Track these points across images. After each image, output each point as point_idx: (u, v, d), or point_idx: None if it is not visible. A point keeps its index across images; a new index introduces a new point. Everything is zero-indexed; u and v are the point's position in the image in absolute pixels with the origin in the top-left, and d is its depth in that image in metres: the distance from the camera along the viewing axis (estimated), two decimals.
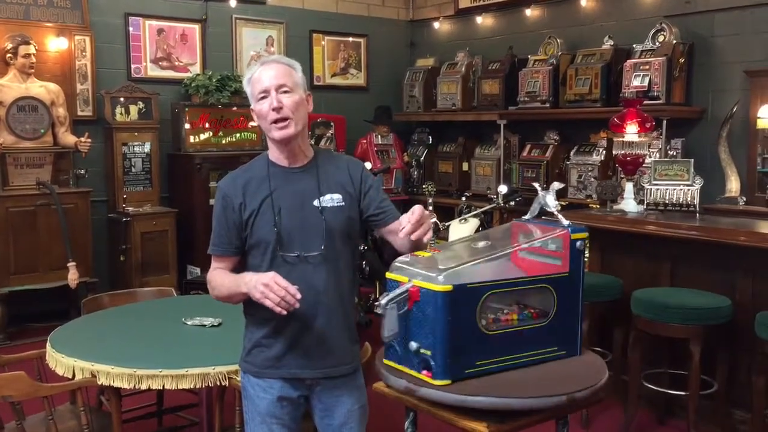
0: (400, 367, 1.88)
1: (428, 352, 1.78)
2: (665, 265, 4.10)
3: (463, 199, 6.09)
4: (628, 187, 4.40)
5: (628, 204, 4.36)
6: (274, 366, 2.21)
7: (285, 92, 2.12)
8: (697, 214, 4.16)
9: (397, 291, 1.80)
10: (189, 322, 3.10)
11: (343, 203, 2.20)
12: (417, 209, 1.97)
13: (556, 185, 2.22)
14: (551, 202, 2.15)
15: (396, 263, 1.89)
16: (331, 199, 2.18)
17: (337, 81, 7.44)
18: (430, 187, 6.05)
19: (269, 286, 1.96)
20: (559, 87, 6.00)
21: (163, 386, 2.60)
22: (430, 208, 6.00)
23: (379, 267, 5.73)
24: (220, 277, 2.22)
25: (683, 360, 3.86)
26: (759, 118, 4.97)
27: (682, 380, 3.89)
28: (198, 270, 5.97)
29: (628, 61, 5.50)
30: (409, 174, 7.33)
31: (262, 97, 2.14)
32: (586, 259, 5.19)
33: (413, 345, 1.81)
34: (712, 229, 3.81)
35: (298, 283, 2.05)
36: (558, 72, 6.01)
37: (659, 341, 3.84)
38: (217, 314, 3.16)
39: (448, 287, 1.79)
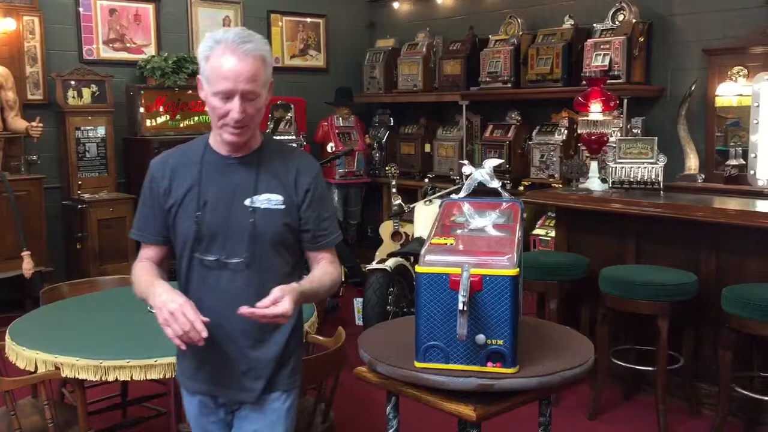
0: (446, 366, 1.72)
1: (500, 342, 1.69)
2: (630, 242, 4.14)
3: (426, 180, 6.07)
4: (593, 165, 4.42)
5: (593, 182, 4.38)
6: (192, 377, 2.02)
7: (250, 100, 1.80)
8: (661, 192, 4.19)
9: (465, 285, 1.64)
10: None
11: (282, 207, 1.88)
12: (276, 291, 1.72)
13: (491, 162, 2.10)
14: (491, 177, 2.07)
15: (427, 256, 1.72)
16: (268, 200, 1.88)
17: (297, 62, 7.32)
18: (392, 169, 6.00)
19: (174, 316, 1.73)
20: (520, 67, 5.99)
21: (131, 377, 2.51)
22: (394, 190, 5.97)
23: (343, 250, 5.67)
24: (139, 275, 1.97)
25: (650, 336, 3.90)
26: (717, 96, 5.02)
27: (648, 356, 3.94)
28: None
29: (588, 40, 5.51)
30: (371, 156, 7.27)
31: (223, 96, 1.80)
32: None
33: (482, 338, 1.70)
34: (676, 206, 3.85)
35: (212, 292, 1.86)
36: (519, 52, 6.00)
37: (626, 318, 3.88)
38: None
39: (516, 271, 1.70)
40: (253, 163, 1.90)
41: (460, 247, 1.78)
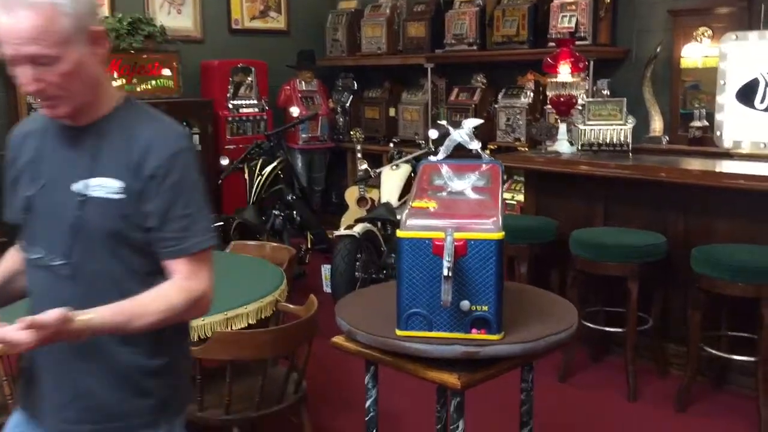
0: (429, 334, 1.66)
1: (485, 308, 1.63)
2: (599, 205, 4.13)
3: (391, 145, 5.98)
4: (562, 128, 4.38)
5: (562, 145, 4.35)
6: (22, 395, 1.66)
7: (44, 64, 1.38)
8: (630, 154, 4.18)
9: (449, 250, 1.57)
10: None
11: (122, 196, 1.46)
12: (49, 313, 1.33)
13: (471, 121, 2.02)
14: (470, 138, 2.01)
15: (408, 221, 1.65)
16: (101, 187, 1.46)
17: (257, 24, 7.11)
18: (357, 134, 5.91)
19: None
20: (486, 29, 5.91)
21: None
22: (359, 155, 5.87)
23: (308, 216, 5.59)
24: None
25: (619, 298, 3.91)
26: (682, 57, 5.02)
27: (617, 318, 3.96)
28: None
29: (554, 1, 5.44)
30: (335, 121, 7.15)
31: (10, 63, 1.41)
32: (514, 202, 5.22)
33: (466, 304, 1.64)
34: (644, 167, 3.84)
35: (39, 298, 1.51)
36: (485, 14, 5.91)
37: (595, 280, 3.88)
38: None
39: (501, 234, 1.64)
40: (93, 137, 1.49)
41: (443, 210, 1.71)
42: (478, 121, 2.04)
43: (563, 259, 3.93)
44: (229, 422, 2.52)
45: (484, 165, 2.01)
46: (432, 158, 2.04)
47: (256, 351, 2.43)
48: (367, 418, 1.93)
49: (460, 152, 2.03)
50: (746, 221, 3.60)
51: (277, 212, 5.22)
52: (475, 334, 1.66)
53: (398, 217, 5.03)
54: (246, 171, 5.11)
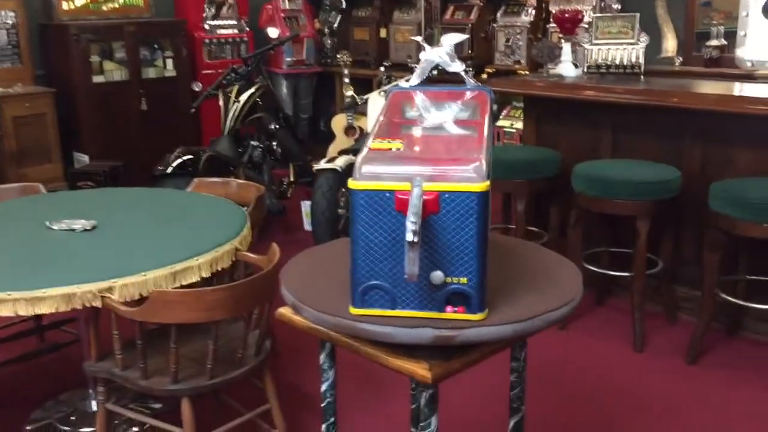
0: (391, 313, 1.30)
1: (463, 280, 1.27)
2: (606, 134, 3.72)
3: (382, 69, 5.51)
4: (566, 48, 3.93)
5: (566, 67, 3.91)
6: None
7: None
8: (642, 77, 3.75)
9: (416, 206, 1.20)
10: (55, 227, 2.52)
11: None
12: None
13: (452, 37, 1.61)
14: (450, 58, 1.59)
15: (364, 167, 1.27)
16: None
17: None
18: (344, 57, 5.46)
19: None
20: None
21: (16, 313, 2.06)
22: (347, 80, 5.42)
23: (292, 146, 5.17)
24: None
25: (625, 238, 3.55)
26: None
27: (622, 258, 3.61)
28: (86, 158, 5.29)
29: None
30: (322, 43, 6.65)
31: None
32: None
33: (439, 276, 1.27)
34: (657, 92, 3.41)
35: None
36: None
37: (598, 218, 3.50)
38: (91, 215, 2.60)
39: (485, 185, 1.25)
40: None
41: (410, 152, 1.32)
42: (461, 37, 1.61)
43: (566, 196, 3.55)
44: (177, 392, 2.19)
45: (468, 92, 1.61)
46: (402, 84, 1.63)
47: (205, 313, 2.07)
48: (323, 405, 1.58)
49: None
50: None
51: (255, 143, 4.80)
52: (450, 314, 1.28)
53: None
54: (221, 98, 4.67)
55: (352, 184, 1.26)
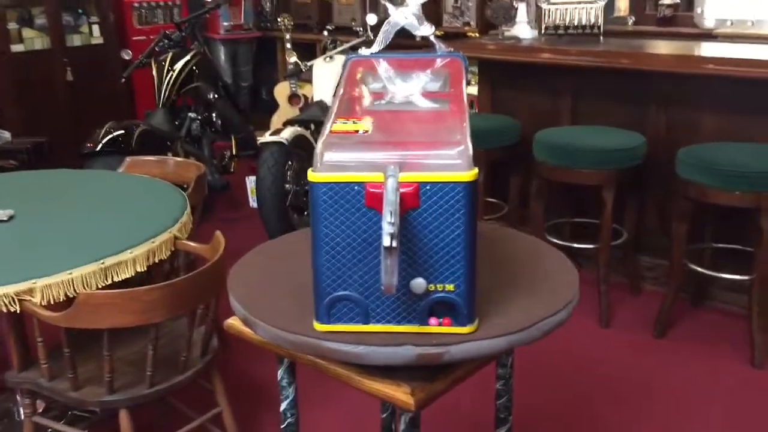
0: (364, 328, 1.09)
1: (449, 287, 1.06)
2: (566, 99, 3.55)
3: (325, 33, 5.23)
4: (521, 8, 3.72)
5: (522, 29, 3.71)
6: None
7: None
8: (601, 38, 3.58)
9: (391, 202, 0.98)
10: None
11: None
12: None
13: None
14: (419, 21, 1.37)
15: (326, 154, 1.03)
16: None
17: None
18: (285, 20, 5.16)
19: None
20: None
21: None
22: (289, 45, 5.13)
23: (233, 117, 4.87)
24: None
25: (587, 207, 3.42)
26: None
27: (584, 229, 3.47)
28: (8, 134, 4.87)
29: None
30: (261, 6, 6.30)
31: None
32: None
33: (421, 283, 1.06)
34: (618, 53, 3.25)
35: None
36: None
37: (558, 188, 3.34)
38: (7, 202, 2.30)
39: (473, 173, 1.04)
40: None
41: (381, 134, 1.09)
42: None
43: (525, 165, 3.38)
44: (113, 404, 1.95)
45: (439, 59, 1.39)
46: (363, 51, 1.40)
47: (140, 315, 1.82)
48: (282, 426, 1.37)
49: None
50: (738, 116, 3.07)
51: (193, 115, 4.49)
52: (435, 327, 1.08)
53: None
54: (153, 67, 4.33)
55: (312, 176, 1.04)
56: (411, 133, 1.11)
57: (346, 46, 4.59)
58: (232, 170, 4.66)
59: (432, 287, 1.06)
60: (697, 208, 2.91)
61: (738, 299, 3.15)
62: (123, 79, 4.48)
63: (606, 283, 3.16)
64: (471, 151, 1.04)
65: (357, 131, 1.08)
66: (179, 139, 4.18)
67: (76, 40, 5.26)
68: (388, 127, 1.12)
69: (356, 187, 1.02)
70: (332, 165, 1.03)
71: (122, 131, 3.69)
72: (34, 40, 5.03)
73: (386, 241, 0.94)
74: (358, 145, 1.05)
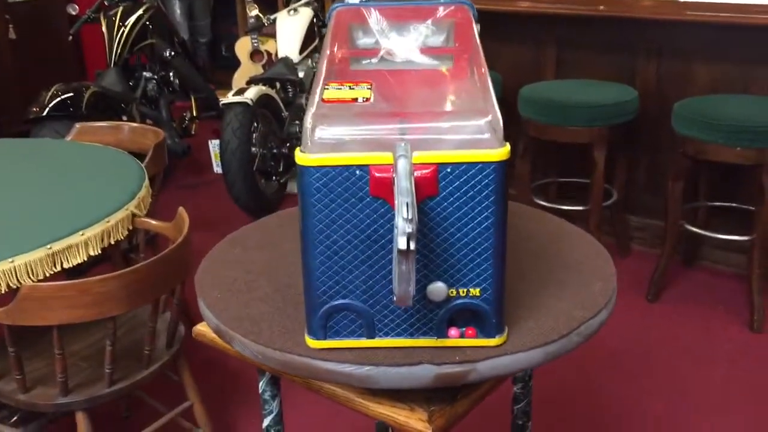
0: (368, 343, 0.88)
1: (475, 292, 0.85)
2: (549, 51, 3.33)
3: None
4: None
5: None
6: None
7: None
8: None
9: (405, 188, 0.76)
10: None
11: None
12: None
13: None
14: None
15: (318, 130, 0.79)
16: None
17: None
18: None
19: None
20: None
21: None
22: None
23: (192, 76, 4.56)
24: None
25: (572, 165, 3.24)
26: None
27: (571, 189, 3.30)
28: None
29: None
30: None
31: None
32: None
33: (440, 289, 0.85)
34: (607, 0, 3.03)
35: None
36: None
37: (544, 146, 3.15)
38: None
39: (505, 150, 0.82)
40: None
41: (386, 102, 0.87)
42: None
43: (508, 122, 3.17)
44: (68, 406, 1.73)
45: (441, 6, 1.16)
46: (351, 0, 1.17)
47: (93, 308, 1.59)
48: None
49: None
50: (732, 66, 2.89)
51: (148, 74, 4.17)
52: (456, 339, 0.88)
53: (300, 75, 4.13)
54: (103, 23, 3.99)
55: (301, 157, 0.81)
56: (423, 101, 0.89)
57: None
58: (193, 133, 4.37)
59: (453, 292, 0.85)
60: (695, 166, 2.74)
61: (731, 259, 3.02)
62: (70, 37, 4.13)
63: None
64: (501, 123, 0.82)
65: (355, 99, 0.86)
66: (134, 100, 3.88)
67: None
68: (392, 94, 0.90)
69: (358, 172, 0.80)
70: (326, 143, 0.81)
71: (71, 94, 3.38)
72: None
73: (401, 243, 0.72)
74: (359, 117, 0.83)
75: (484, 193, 0.81)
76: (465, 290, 0.85)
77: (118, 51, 3.95)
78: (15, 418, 2.01)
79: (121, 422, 2.29)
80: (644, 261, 3.14)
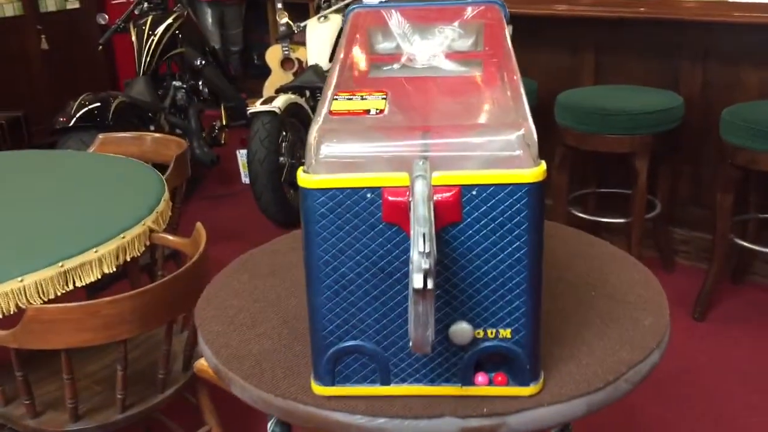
0: (382, 391, 0.77)
1: (506, 333, 0.74)
2: (588, 56, 3.19)
3: None
4: None
5: None
6: None
7: None
8: None
9: (423, 215, 0.66)
10: None
11: None
12: None
13: None
14: None
15: (325, 146, 0.69)
16: None
17: None
18: None
19: None
20: None
21: None
22: (279, 5, 4.74)
23: (222, 85, 4.51)
24: None
25: (611, 176, 3.10)
26: None
27: (609, 200, 3.15)
28: None
29: None
30: None
31: None
32: None
33: (465, 331, 0.74)
34: (646, 2, 2.89)
35: None
36: None
37: (581, 156, 3.00)
38: None
39: (541, 169, 0.72)
40: None
41: (402, 115, 0.76)
42: None
43: (544, 131, 3.03)
44: None
45: (469, 7, 1.05)
46: (369, 0, 1.06)
47: (103, 332, 1.51)
48: None
49: None
50: None
51: (178, 83, 4.13)
52: (484, 388, 0.76)
53: None
54: (133, 33, 3.96)
55: (304, 179, 0.71)
56: (445, 113, 0.77)
57: (341, 4, 4.21)
58: (222, 142, 4.31)
59: (480, 333, 0.74)
60: (744, 176, 2.58)
61: None
62: (100, 46, 4.10)
63: (639, 261, 2.83)
64: (535, 137, 0.71)
65: (367, 111, 0.75)
66: (162, 110, 3.83)
67: (50, 5, 4.87)
68: (410, 104, 0.79)
69: (369, 195, 0.69)
70: (333, 162, 0.70)
71: (98, 104, 3.34)
72: (4, 6, 4.65)
73: (417, 281, 0.61)
74: (371, 131, 0.72)
75: (515, 220, 0.69)
76: (494, 331, 0.73)
77: (147, 60, 3.91)
78: None
79: None
80: (690, 276, 2.98)
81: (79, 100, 3.35)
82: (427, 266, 0.61)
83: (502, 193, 0.69)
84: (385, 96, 0.78)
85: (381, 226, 0.70)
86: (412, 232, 0.64)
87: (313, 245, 0.72)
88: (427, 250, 0.61)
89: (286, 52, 4.84)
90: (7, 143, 4.17)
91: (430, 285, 0.62)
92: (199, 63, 4.26)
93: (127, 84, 3.93)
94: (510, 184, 0.69)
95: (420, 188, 0.66)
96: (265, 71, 5.14)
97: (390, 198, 0.69)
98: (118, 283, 2.48)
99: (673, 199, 3.05)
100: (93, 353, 1.87)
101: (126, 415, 1.66)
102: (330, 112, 0.74)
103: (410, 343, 0.66)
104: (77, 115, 3.27)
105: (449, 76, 0.91)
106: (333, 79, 0.84)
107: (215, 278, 1.04)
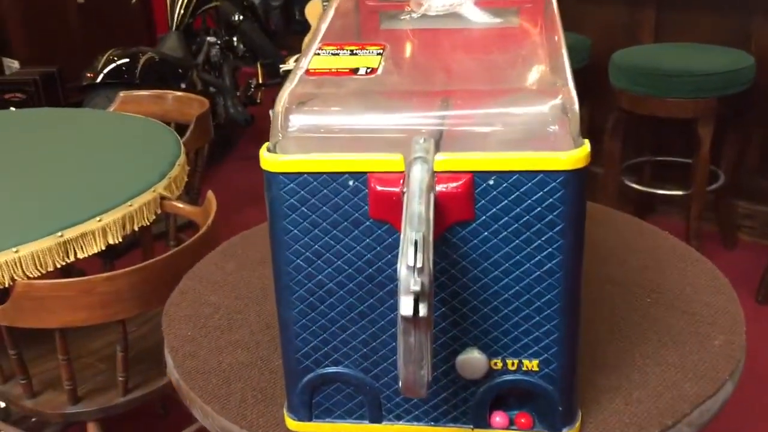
0: (368, 428, 0.60)
1: (532, 366, 0.57)
2: (647, 11, 2.92)
3: None
4: None
5: None
6: None
7: None
8: None
9: (417, 213, 0.48)
10: None
11: None
12: None
13: None
14: None
15: (292, 116, 0.52)
16: None
17: None
18: None
19: None
20: None
21: None
22: None
23: (261, 40, 4.35)
24: None
25: (667, 142, 2.85)
26: None
27: (665, 169, 2.91)
28: (16, 63, 4.45)
29: None
30: None
31: None
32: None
33: (476, 361, 0.57)
34: None
35: None
36: None
37: (636, 120, 2.76)
38: None
39: (582, 153, 0.52)
40: None
41: (397, 76, 0.58)
42: None
43: (601, 93, 2.79)
44: (78, 416, 1.53)
45: None
46: None
47: (100, 310, 1.38)
48: None
49: None
50: None
51: (212, 39, 3.97)
52: (502, 431, 0.59)
53: None
54: None
55: (267, 161, 0.54)
56: (457, 74, 0.59)
57: None
58: (258, 101, 4.16)
59: (498, 364, 0.56)
60: None
61: None
62: (133, 1, 3.96)
63: (698, 238, 2.62)
64: (577, 108, 0.52)
65: (355, 71, 0.57)
66: (194, 66, 3.69)
67: None
68: (412, 63, 0.60)
69: (352, 182, 0.52)
70: (306, 138, 0.52)
71: (126, 59, 3.21)
72: None
73: (405, 307, 0.44)
74: (356, 97, 0.54)
75: (546, 219, 0.51)
76: (515, 362, 0.56)
77: (181, 14, 3.76)
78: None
79: (156, 420, 2.11)
80: (753, 254, 2.74)
81: (106, 56, 3.22)
82: (418, 288, 0.43)
83: (530, 184, 0.51)
84: (381, 51, 0.60)
85: (367, 223, 0.53)
86: (401, 238, 0.46)
87: (282, 246, 0.55)
88: (419, 265, 0.44)
89: (326, 7, 4.64)
90: (41, 100, 4.09)
91: (423, 312, 0.44)
92: (236, 18, 4.10)
93: (161, 39, 3.80)
94: (540, 172, 0.50)
95: (417, 175, 0.49)
96: (308, 27, 4.95)
97: (378, 188, 0.51)
98: (136, 249, 2.37)
99: (738, 169, 2.79)
100: (97, 328, 1.75)
101: (128, 399, 1.54)
102: (307, 71, 0.57)
103: (400, 385, 0.49)
104: (104, 72, 3.14)
105: (475, 28, 0.72)
106: (321, 29, 0.66)
107: (197, 265, 0.89)
